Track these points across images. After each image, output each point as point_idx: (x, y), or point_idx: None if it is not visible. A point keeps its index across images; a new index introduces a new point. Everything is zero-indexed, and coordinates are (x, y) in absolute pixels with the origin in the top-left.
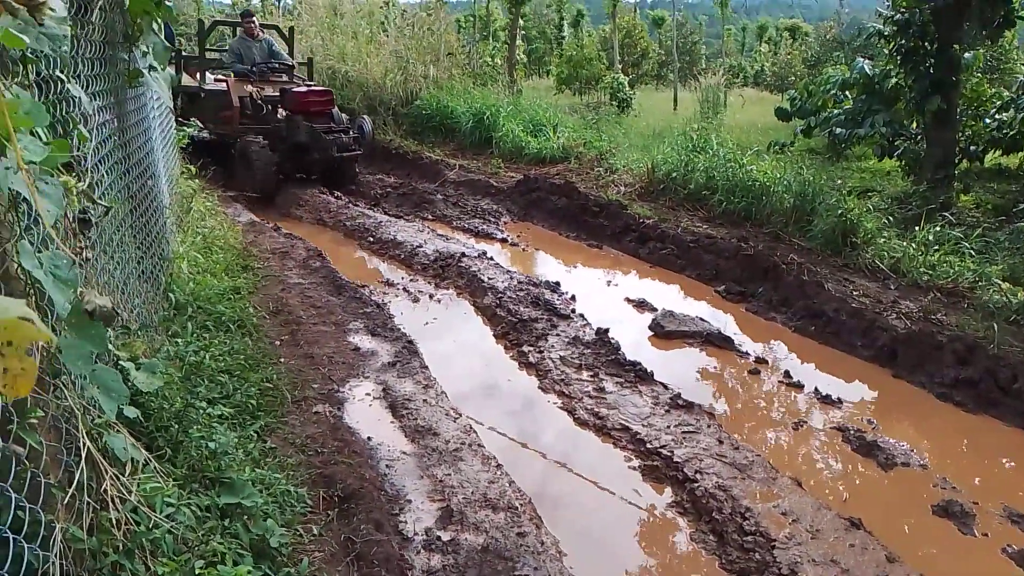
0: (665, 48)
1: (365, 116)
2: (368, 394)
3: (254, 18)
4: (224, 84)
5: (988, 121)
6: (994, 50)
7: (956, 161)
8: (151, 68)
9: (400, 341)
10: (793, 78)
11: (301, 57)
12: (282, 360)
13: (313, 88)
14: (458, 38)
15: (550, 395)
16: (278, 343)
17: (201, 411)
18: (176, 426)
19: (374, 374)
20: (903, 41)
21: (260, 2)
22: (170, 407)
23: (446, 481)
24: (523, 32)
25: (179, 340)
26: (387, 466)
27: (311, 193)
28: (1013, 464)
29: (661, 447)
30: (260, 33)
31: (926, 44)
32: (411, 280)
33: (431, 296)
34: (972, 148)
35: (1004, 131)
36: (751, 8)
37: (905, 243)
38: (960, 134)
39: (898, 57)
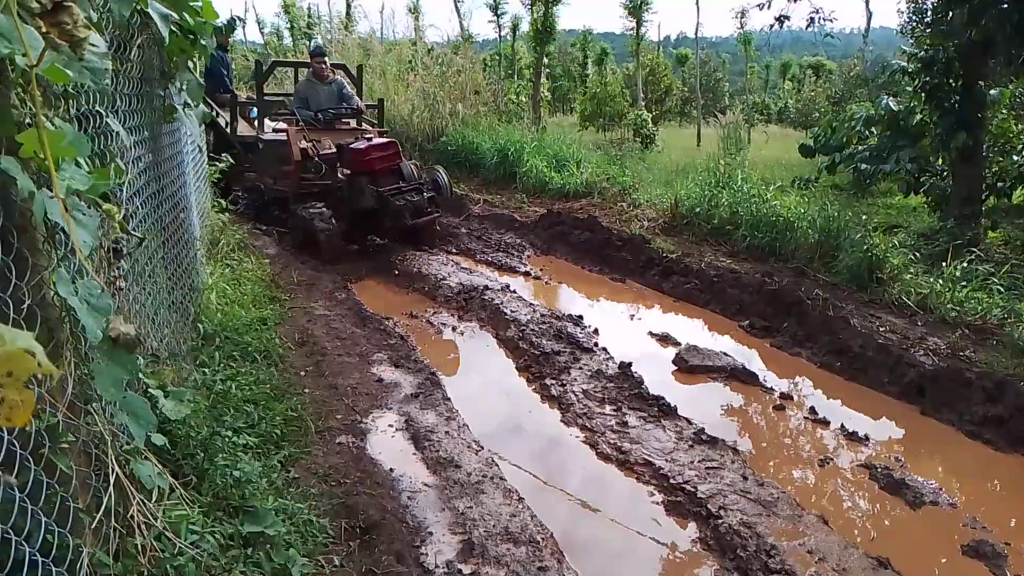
0: (689, 85)
1: (439, 168)
2: (391, 425)
3: (324, 57)
4: (284, 134)
5: (1016, 158)
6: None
7: (983, 197)
8: (186, 105)
9: (423, 373)
10: (817, 115)
11: (370, 98)
12: (306, 391)
13: (374, 142)
14: (485, 76)
15: (573, 428)
16: (303, 373)
17: (227, 440)
18: (202, 454)
19: (397, 405)
20: (928, 78)
21: (292, 41)
22: (197, 435)
23: (468, 514)
24: (548, 70)
25: (207, 369)
26: (409, 497)
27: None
28: None
29: (685, 482)
30: (329, 74)
31: (951, 81)
32: (434, 312)
33: (454, 328)
34: (1000, 184)
35: None
36: (774, 46)
37: (932, 279)
38: (987, 170)
39: (923, 94)
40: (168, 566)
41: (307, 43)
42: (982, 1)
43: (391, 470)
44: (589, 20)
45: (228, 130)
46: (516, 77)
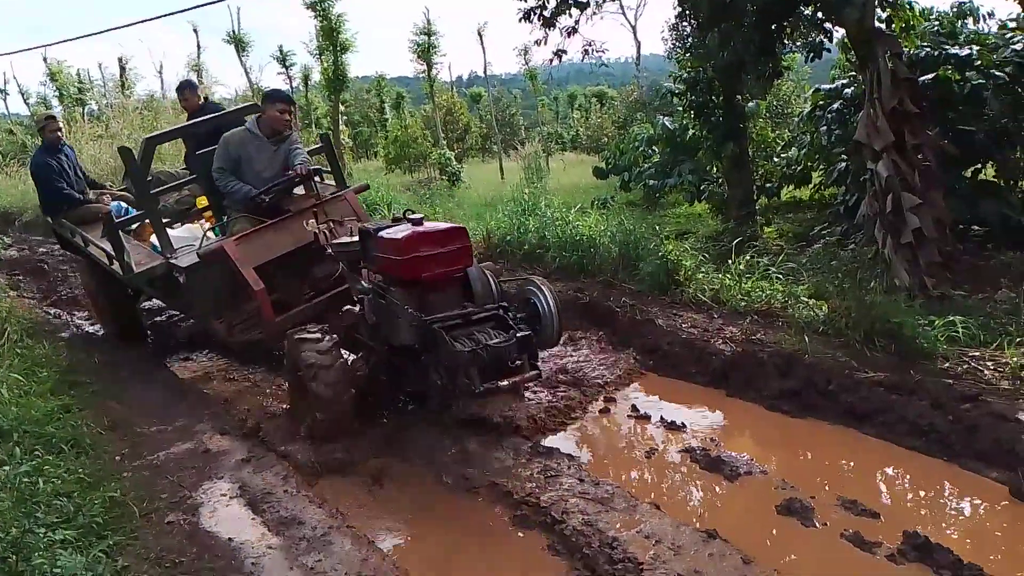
0: (486, 122)
1: (536, 279)
2: (224, 494)
3: (291, 106)
4: (225, 248)
5: (777, 160)
6: (777, 97)
7: (755, 198)
8: None
9: (252, 436)
10: (605, 139)
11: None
12: (125, 474)
13: (426, 229)
14: None
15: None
16: (118, 457)
17: (41, 537)
18: (14, 556)
19: (228, 473)
20: (694, 97)
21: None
22: (5, 536)
23: (317, 568)
24: (345, 117)
25: (6, 468)
26: (253, 564)
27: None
28: (840, 458)
29: (528, 495)
30: (290, 130)
31: (714, 98)
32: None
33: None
34: (768, 185)
35: (792, 168)
36: (559, 79)
37: (721, 275)
38: (755, 174)
39: (692, 111)
40: None
41: (81, 110)
42: (730, 26)
43: (231, 540)
44: (381, 66)
45: (114, 267)
46: (314, 127)
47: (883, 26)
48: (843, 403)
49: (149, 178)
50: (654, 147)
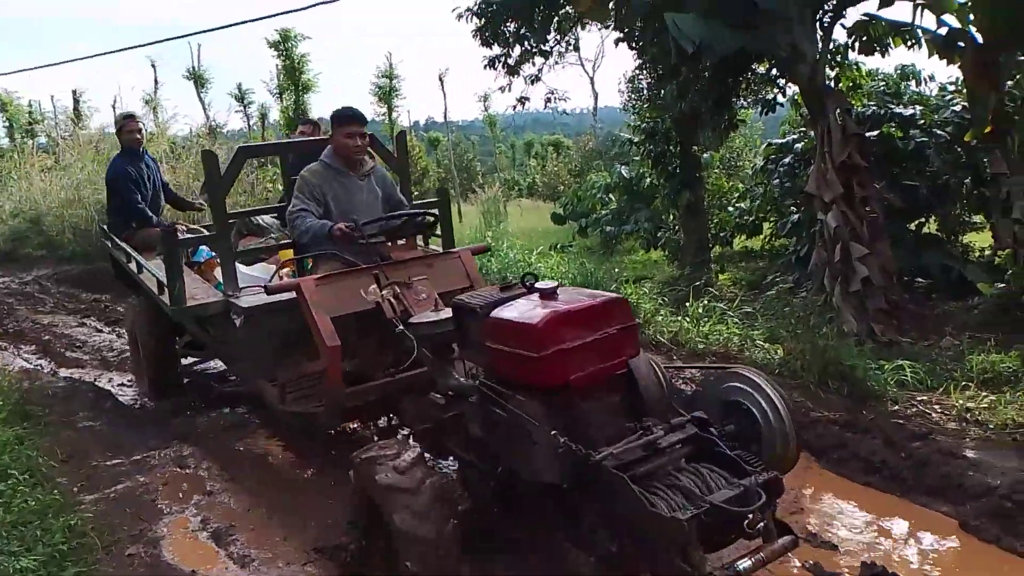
0: (444, 166)
1: (751, 373)
2: (186, 527)
3: (363, 127)
4: (301, 286)
5: (731, 210)
6: (730, 150)
7: (710, 246)
8: None
9: (213, 468)
10: (562, 187)
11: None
12: (83, 505)
13: (575, 304)
14: None
15: None
16: (75, 489)
17: (3, 565)
18: None
19: (190, 506)
20: (651, 146)
21: (10, 142)
22: None
23: None
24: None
25: None
26: None
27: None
28: (798, 492)
29: None
30: (368, 160)
31: (671, 148)
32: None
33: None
34: (722, 234)
35: (745, 218)
36: (517, 127)
37: (680, 319)
38: (710, 223)
39: (649, 161)
40: None
41: (31, 142)
42: (687, 79)
43: (194, 572)
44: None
45: (164, 298)
46: (270, 165)
47: (832, 84)
48: (800, 440)
49: (231, 220)
50: (611, 194)
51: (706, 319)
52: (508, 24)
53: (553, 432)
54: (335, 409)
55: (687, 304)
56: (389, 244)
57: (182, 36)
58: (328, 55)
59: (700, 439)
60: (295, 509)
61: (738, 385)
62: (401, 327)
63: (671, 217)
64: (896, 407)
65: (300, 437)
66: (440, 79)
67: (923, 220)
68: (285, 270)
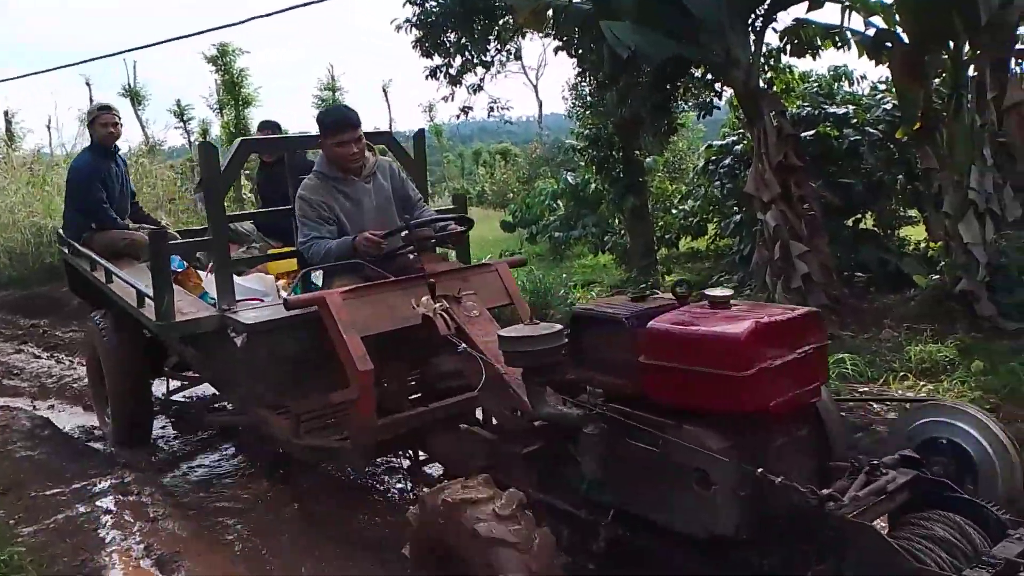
0: None
1: (970, 409)
2: (130, 555)
3: (358, 129)
4: (327, 301)
5: (675, 212)
6: (674, 153)
7: (656, 249)
8: None
9: (156, 493)
10: (511, 194)
11: None
12: (21, 538)
13: (776, 317)
14: (177, 184)
15: None
16: (12, 522)
17: None
18: None
19: (133, 533)
20: (595, 152)
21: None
22: None
23: None
24: (248, 171)
25: None
26: None
27: None
28: None
29: None
30: (367, 158)
31: (614, 153)
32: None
33: None
34: (667, 237)
35: (689, 220)
36: (464, 137)
37: None
38: (655, 226)
39: (593, 167)
40: None
41: None
42: (626, 85)
43: None
44: (284, 121)
45: (146, 312)
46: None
47: (767, 86)
48: None
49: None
50: (558, 201)
51: None
52: (448, 34)
53: (760, 471)
54: (366, 444)
55: None
56: (414, 255)
57: (116, 53)
58: (268, 68)
59: (924, 481)
60: (242, 534)
61: (940, 420)
62: (464, 346)
63: (617, 221)
64: (838, 399)
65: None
66: (384, 90)
67: (860, 216)
68: (281, 282)
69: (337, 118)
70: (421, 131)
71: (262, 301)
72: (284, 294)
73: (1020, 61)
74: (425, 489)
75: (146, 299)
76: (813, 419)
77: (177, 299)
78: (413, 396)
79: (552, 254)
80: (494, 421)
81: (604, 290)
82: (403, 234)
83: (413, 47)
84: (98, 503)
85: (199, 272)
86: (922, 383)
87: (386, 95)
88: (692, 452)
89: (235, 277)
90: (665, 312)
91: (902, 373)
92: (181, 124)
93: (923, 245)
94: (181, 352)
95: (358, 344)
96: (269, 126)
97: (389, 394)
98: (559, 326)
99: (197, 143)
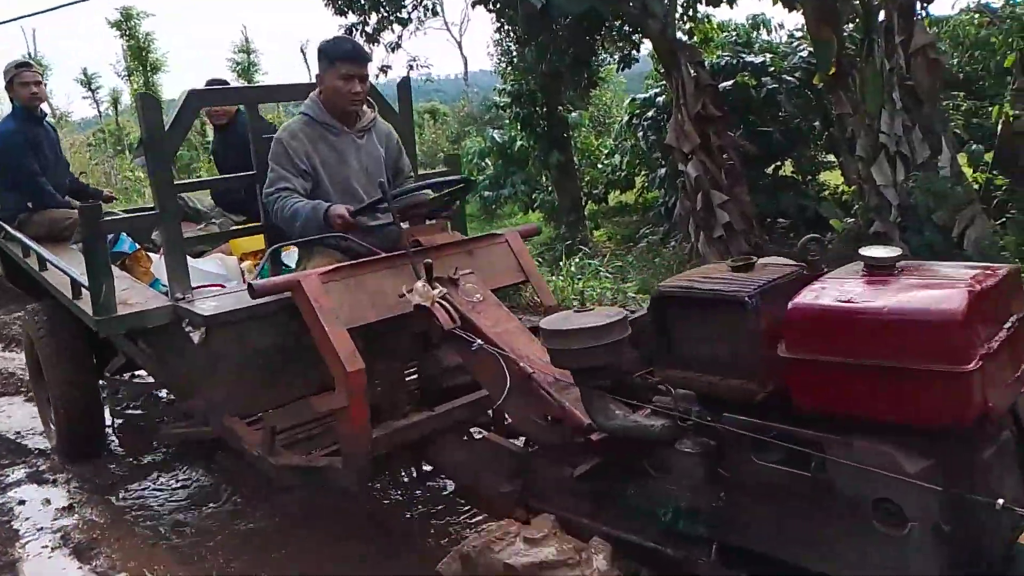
0: None
1: None
2: (46, 545)
3: (366, 65)
4: (302, 284)
5: (601, 167)
6: (599, 108)
7: (584, 204)
8: None
9: (70, 483)
10: (441, 154)
11: None
12: None
13: (982, 283)
14: (91, 156)
15: None
16: None
17: None
18: None
19: (48, 524)
20: (518, 109)
21: None
22: None
23: None
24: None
25: None
26: None
27: None
28: None
29: None
30: (367, 111)
31: (538, 109)
32: None
33: None
34: (594, 192)
35: (617, 174)
36: (390, 97)
37: (554, 278)
38: (582, 181)
39: (518, 124)
40: None
41: None
42: (545, 39)
43: None
44: (198, 86)
45: (83, 304)
46: (128, 152)
47: (685, 37)
48: None
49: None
50: (487, 160)
51: (580, 276)
52: None
53: (1001, 501)
54: (360, 462)
55: (562, 263)
56: (404, 226)
57: (12, 20)
58: (177, 32)
59: None
60: (161, 515)
61: None
62: (480, 343)
63: (544, 178)
64: None
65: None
66: (302, 51)
67: (779, 164)
68: (246, 264)
69: (349, 47)
70: (406, 79)
71: (223, 287)
72: (250, 277)
73: (925, 5)
74: (466, 539)
75: (82, 289)
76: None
77: (123, 287)
78: (412, 398)
79: (483, 214)
80: (507, 423)
81: (533, 248)
82: (384, 205)
83: (325, 5)
84: (12, 493)
85: (151, 255)
86: None
87: (304, 56)
88: (875, 478)
89: (191, 259)
90: (797, 284)
91: None
92: (90, 93)
93: (840, 189)
94: (128, 351)
95: (344, 339)
96: (217, 83)
97: (383, 397)
98: (620, 311)
99: (136, 95)
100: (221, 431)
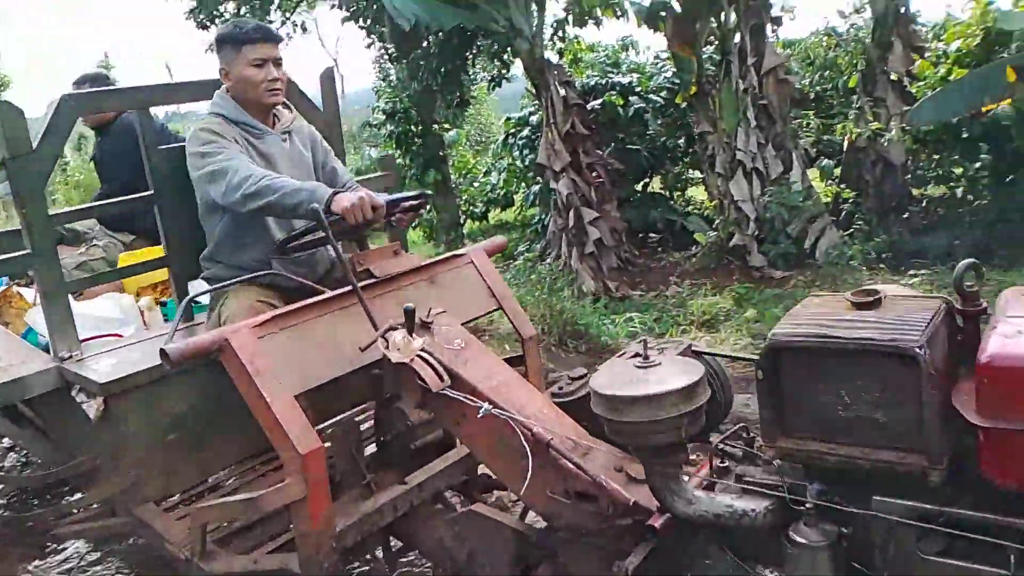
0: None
1: None
2: None
3: (278, 46)
4: (230, 343)
5: (478, 185)
6: (477, 126)
7: (462, 222)
8: None
9: None
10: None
11: None
12: None
13: None
14: None
15: None
16: None
17: None
18: None
19: None
20: (393, 127)
21: None
22: None
23: None
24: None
25: None
26: None
27: None
28: None
29: None
30: (282, 111)
31: (413, 127)
32: None
33: None
34: (474, 210)
35: (496, 192)
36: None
37: None
38: (459, 199)
39: (393, 142)
40: None
41: None
42: (416, 57)
43: None
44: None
45: None
46: None
47: (555, 57)
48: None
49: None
50: None
51: None
52: (226, 3)
53: None
54: (323, 562)
55: None
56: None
57: None
58: (29, 48)
59: None
60: None
61: None
62: (487, 407)
63: None
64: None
65: None
66: (167, 68)
67: (647, 180)
68: (144, 301)
69: (254, 27)
70: (329, 70)
71: (120, 336)
72: (150, 317)
73: (775, 28)
74: None
75: None
76: None
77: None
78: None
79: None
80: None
81: None
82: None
83: (186, 19)
84: None
85: (24, 293)
86: (701, 333)
87: (171, 73)
88: None
89: (75, 303)
90: (955, 326)
91: (684, 326)
92: None
93: (704, 204)
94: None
95: (293, 410)
96: (90, 80)
97: (337, 457)
98: (698, 367)
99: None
100: (133, 524)
